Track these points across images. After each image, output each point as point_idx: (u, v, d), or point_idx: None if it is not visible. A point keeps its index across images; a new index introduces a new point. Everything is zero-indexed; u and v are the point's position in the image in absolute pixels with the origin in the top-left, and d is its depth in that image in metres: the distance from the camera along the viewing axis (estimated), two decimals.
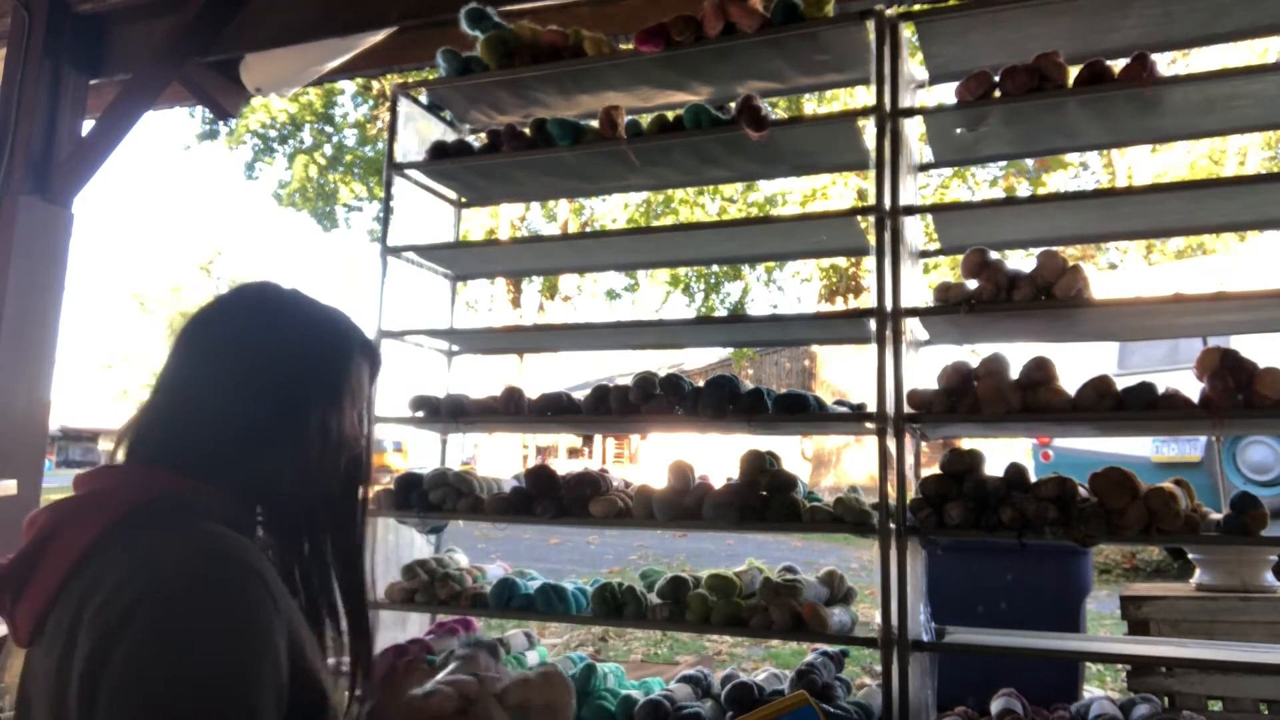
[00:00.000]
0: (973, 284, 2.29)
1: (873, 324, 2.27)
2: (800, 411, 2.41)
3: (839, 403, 2.55)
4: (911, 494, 2.27)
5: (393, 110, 2.94)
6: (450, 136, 3.09)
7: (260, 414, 0.92)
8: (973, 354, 2.68)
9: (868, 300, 3.73)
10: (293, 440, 0.94)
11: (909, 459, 2.29)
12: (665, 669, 3.63)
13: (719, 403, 2.45)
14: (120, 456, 0.95)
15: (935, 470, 2.29)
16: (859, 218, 2.56)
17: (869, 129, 2.39)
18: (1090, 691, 3.26)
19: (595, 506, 2.51)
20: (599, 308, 18.45)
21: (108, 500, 0.88)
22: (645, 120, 2.75)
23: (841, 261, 14.50)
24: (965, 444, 2.48)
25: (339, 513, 1.00)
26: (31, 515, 0.92)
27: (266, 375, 0.94)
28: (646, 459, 21.96)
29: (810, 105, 11.80)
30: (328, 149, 15.94)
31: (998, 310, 2.24)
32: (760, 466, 2.43)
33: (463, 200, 3.29)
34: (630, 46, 2.65)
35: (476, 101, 3.04)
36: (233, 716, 0.74)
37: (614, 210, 15.28)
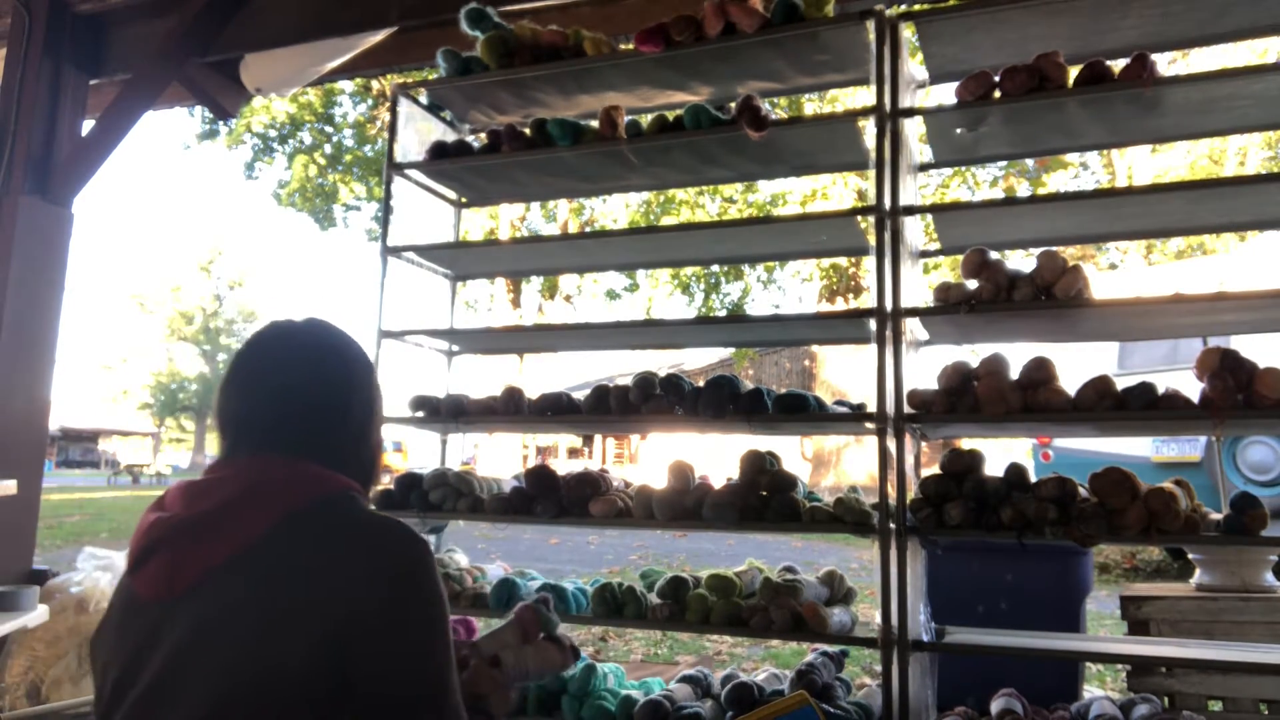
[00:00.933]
0: (973, 284, 2.29)
1: (873, 324, 2.27)
2: (800, 411, 2.41)
3: (839, 403, 2.54)
4: (911, 494, 2.27)
5: (393, 110, 2.94)
6: (450, 136, 3.09)
7: (361, 420, 1.19)
8: (973, 354, 2.68)
9: (868, 300, 3.73)
10: (374, 442, 1.21)
11: (909, 459, 2.29)
12: (665, 669, 3.63)
13: (719, 403, 2.45)
14: (236, 445, 1.14)
15: (935, 470, 2.29)
16: (859, 218, 2.56)
17: (869, 129, 2.39)
18: (1090, 691, 3.26)
19: (595, 506, 2.51)
20: (599, 308, 18.45)
21: (285, 488, 1.07)
22: (645, 120, 2.75)
23: (841, 261, 14.50)
24: (965, 444, 2.48)
25: None
26: (200, 483, 1.09)
27: (363, 390, 1.20)
28: (646, 459, 21.97)
29: (810, 105, 11.81)
30: (327, 149, 15.95)
31: (998, 310, 2.24)
32: (760, 466, 2.43)
33: (463, 200, 3.29)
34: (630, 46, 2.65)
35: (476, 101, 3.04)
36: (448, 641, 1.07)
37: (614, 210, 15.29)
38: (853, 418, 2.42)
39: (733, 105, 2.54)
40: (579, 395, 2.76)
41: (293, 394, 1.14)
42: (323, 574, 1.00)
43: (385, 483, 2.81)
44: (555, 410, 2.70)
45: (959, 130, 2.51)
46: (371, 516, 1.10)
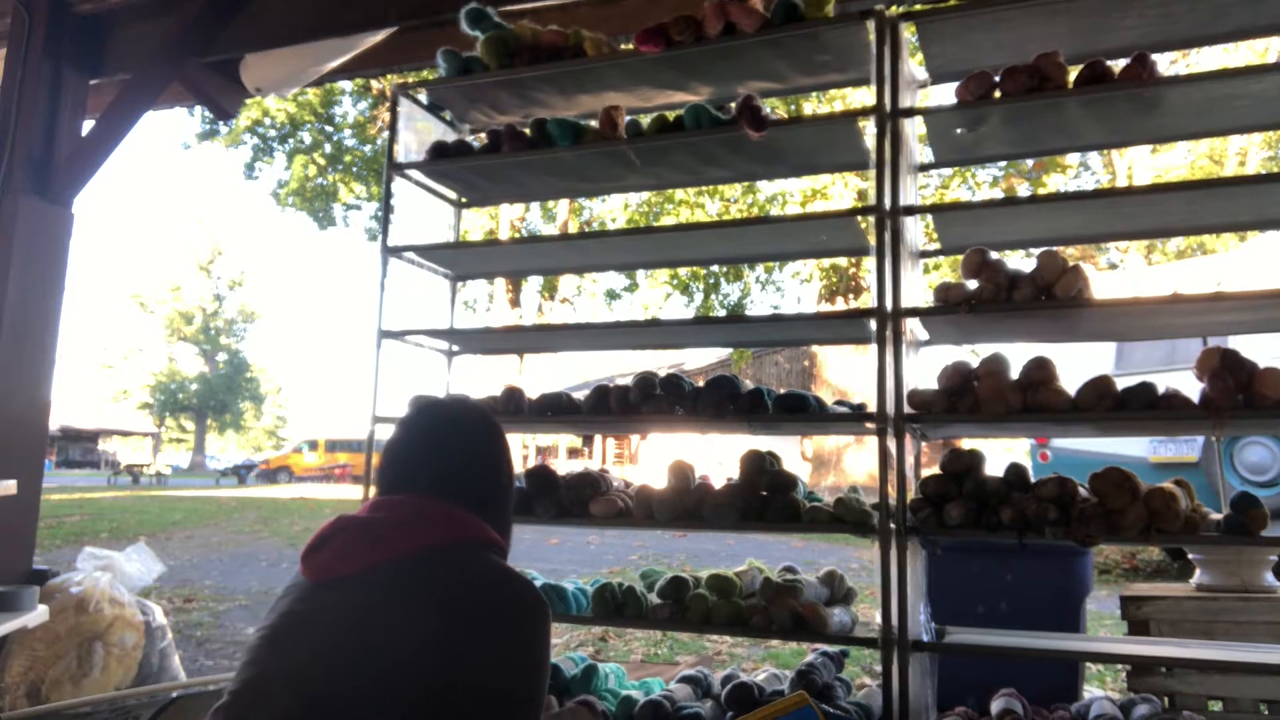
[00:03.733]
0: (973, 284, 2.29)
1: (873, 324, 2.27)
2: (800, 411, 2.41)
3: (839, 403, 2.55)
4: (911, 494, 2.27)
5: (393, 110, 2.93)
6: (450, 136, 3.08)
7: (508, 487, 1.43)
8: (973, 354, 2.68)
9: (868, 300, 3.73)
10: (511, 507, 1.44)
11: (909, 459, 2.29)
12: (665, 669, 3.63)
13: (719, 403, 2.45)
14: (405, 485, 1.34)
15: (935, 470, 2.29)
16: (859, 218, 2.56)
17: (869, 129, 2.39)
18: (1090, 691, 3.26)
19: (595, 506, 2.51)
20: (599, 308, 18.45)
21: (449, 522, 1.27)
22: (645, 120, 2.75)
23: (841, 261, 14.50)
24: (965, 444, 2.48)
25: None
26: (382, 500, 1.31)
27: (510, 464, 1.45)
28: (646, 459, 21.97)
29: (809, 105, 11.81)
30: (327, 148, 15.95)
31: (998, 310, 2.24)
32: (760, 466, 2.43)
33: (463, 200, 3.29)
34: (630, 46, 2.65)
35: (476, 101, 3.04)
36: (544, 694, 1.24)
37: (614, 210, 15.29)
38: (853, 418, 2.42)
39: (733, 105, 2.54)
40: (579, 395, 2.76)
41: (469, 455, 1.38)
42: (456, 606, 1.17)
43: None
44: (555, 410, 2.70)
45: (959, 130, 2.51)
46: (511, 571, 1.28)
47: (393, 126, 2.92)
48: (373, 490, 1.45)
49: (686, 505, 2.44)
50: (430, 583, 1.19)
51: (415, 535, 1.23)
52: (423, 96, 3.04)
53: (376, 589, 1.19)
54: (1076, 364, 4.08)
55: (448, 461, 1.36)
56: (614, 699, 2.45)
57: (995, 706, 2.36)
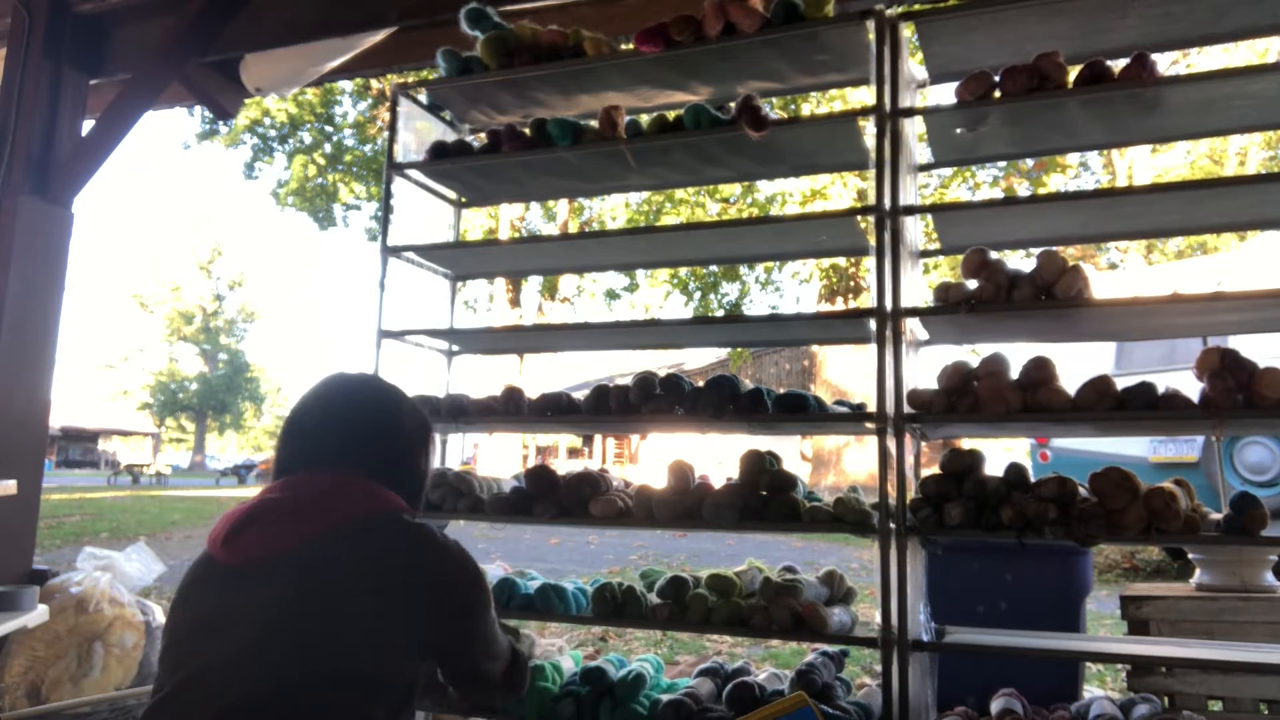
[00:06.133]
0: (973, 284, 2.29)
1: (873, 324, 2.27)
2: (800, 411, 2.41)
3: (839, 403, 2.54)
4: (911, 494, 2.27)
5: (392, 110, 2.93)
6: (450, 136, 3.08)
7: (418, 456, 1.47)
8: (973, 354, 2.68)
9: (868, 300, 3.73)
10: (425, 472, 1.49)
11: (909, 459, 2.29)
12: (666, 669, 3.63)
13: (719, 403, 2.45)
14: (307, 463, 1.37)
15: (935, 470, 2.29)
16: (859, 218, 2.55)
17: (869, 129, 2.39)
18: (1090, 691, 3.26)
19: (595, 506, 2.51)
20: (599, 308, 18.45)
21: (364, 496, 1.32)
22: (645, 120, 2.75)
23: (841, 261, 14.49)
24: (965, 444, 2.47)
25: None
26: (289, 481, 1.32)
27: (411, 431, 1.47)
28: (646, 459, 21.97)
29: (809, 105, 11.81)
30: (327, 148, 15.95)
31: (998, 310, 2.24)
32: (760, 466, 2.43)
33: (463, 200, 3.29)
34: (630, 46, 2.65)
35: (476, 101, 3.04)
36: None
37: (614, 210, 15.29)
38: (853, 418, 2.41)
39: (733, 105, 2.54)
40: (579, 395, 2.76)
41: (375, 430, 1.42)
42: (390, 573, 1.25)
43: None
44: (555, 410, 2.70)
45: (959, 130, 2.51)
46: (436, 533, 1.35)
47: (392, 126, 2.92)
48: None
49: (686, 505, 2.44)
50: (362, 553, 1.24)
51: (338, 509, 1.27)
52: (423, 96, 3.04)
53: (310, 566, 1.21)
54: (1076, 364, 4.08)
55: (355, 437, 1.39)
56: (646, 703, 2.44)
57: (995, 706, 2.36)
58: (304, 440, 1.39)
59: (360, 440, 1.39)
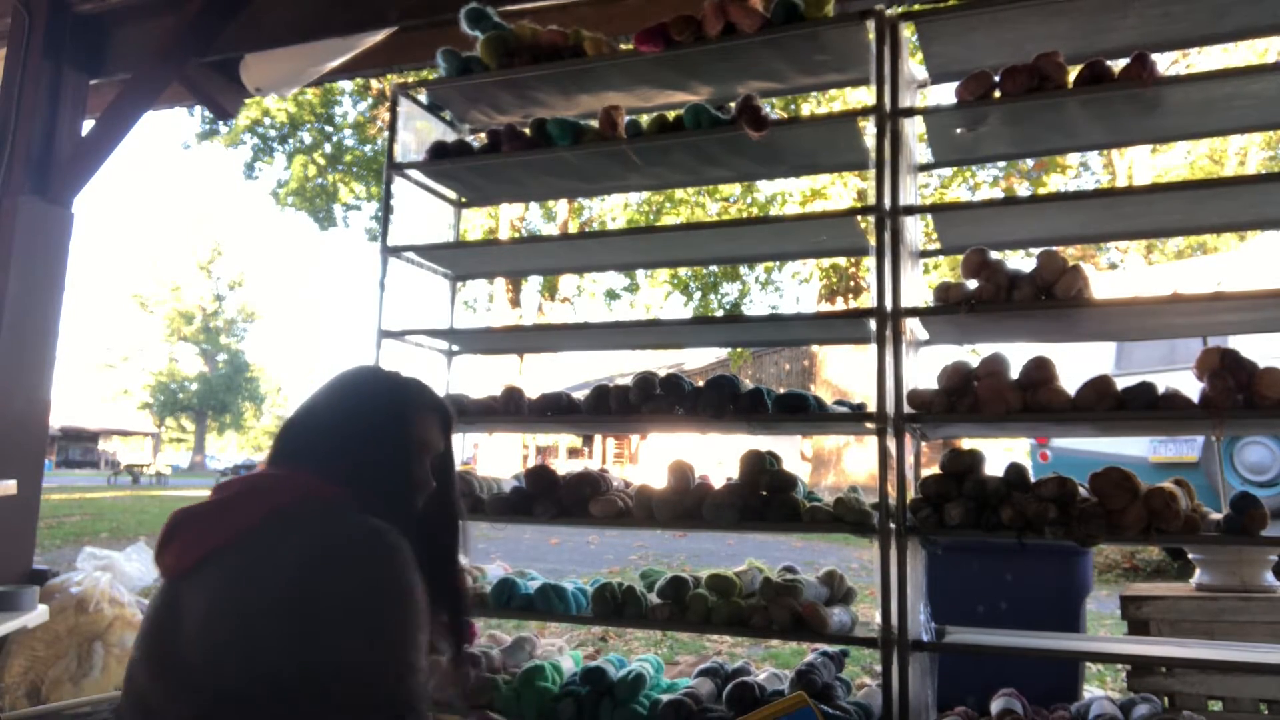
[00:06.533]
0: (973, 284, 2.29)
1: (873, 324, 2.27)
2: (800, 411, 2.41)
3: (839, 403, 2.54)
4: (911, 494, 2.27)
5: (392, 110, 2.93)
6: (450, 136, 3.08)
7: (369, 449, 1.31)
8: (973, 354, 2.68)
9: (868, 300, 3.73)
10: (387, 470, 1.32)
11: (909, 459, 2.29)
12: (666, 669, 3.63)
13: (719, 403, 2.45)
14: (271, 459, 1.31)
15: (935, 470, 2.29)
16: (859, 218, 2.56)
17: (869, 129, 2.39)
18: (1090, 691, 3.26)
19: (595, 506, 2.51)
20: (599, 308, 18.44)
21: (278, 488, 1.23)
22: (645, 120, 2.75)
23: (841, 261, 14.49)
24: (965, 444, 2.47)
25: (436, 521, 1.39)
26: (223, 483, 1.26)
27: (373, 425, 1.33)
28: (646, 459, 21.97)
29: (808, 105, 11.80)
30: (327, 148, 15.94)
31: (998, 310, 2.24)
32: (760, 466, 2.43)
33: (463, 200, 3.29)
34: (630, 46, 2.65)
35: (476, 101, 3.04)
36: (418, 621, 1.16)
37: (614, 210, 15.28)
38: (853, 418, 2.42)
39: (733, 105, 2.54)
40: (579, 395, 2.76)
41: (333, 420, 1.32)
42: (295, 567, 1.12)
43: None
44: (555, 410, 2.70)
45: (959, 130, 2.51)
46: (346, 519, 1.19)
47: (392, 126, 2.92)
48: None
49: (686, 505, 2.44)
50: (277, 549, 1.14)
51: (251, 508, 1.19)
52: (423, 96, 3.04)
53: (228, 571, 1.14)
54: (1076, 364, 4.08)
55: (321, 432, 1.30)
56: (646, 704, 2.44)
57: (995, 706, 2.36)
58: (278, 436, 1.32)
59: (325, 436, 1.29)
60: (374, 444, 1.31)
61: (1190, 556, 3.22)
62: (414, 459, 1.35)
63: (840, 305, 15.52)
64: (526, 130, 2.77)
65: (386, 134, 2.97)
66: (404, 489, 1.33)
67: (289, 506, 1.19)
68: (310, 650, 1.07)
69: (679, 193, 13.34)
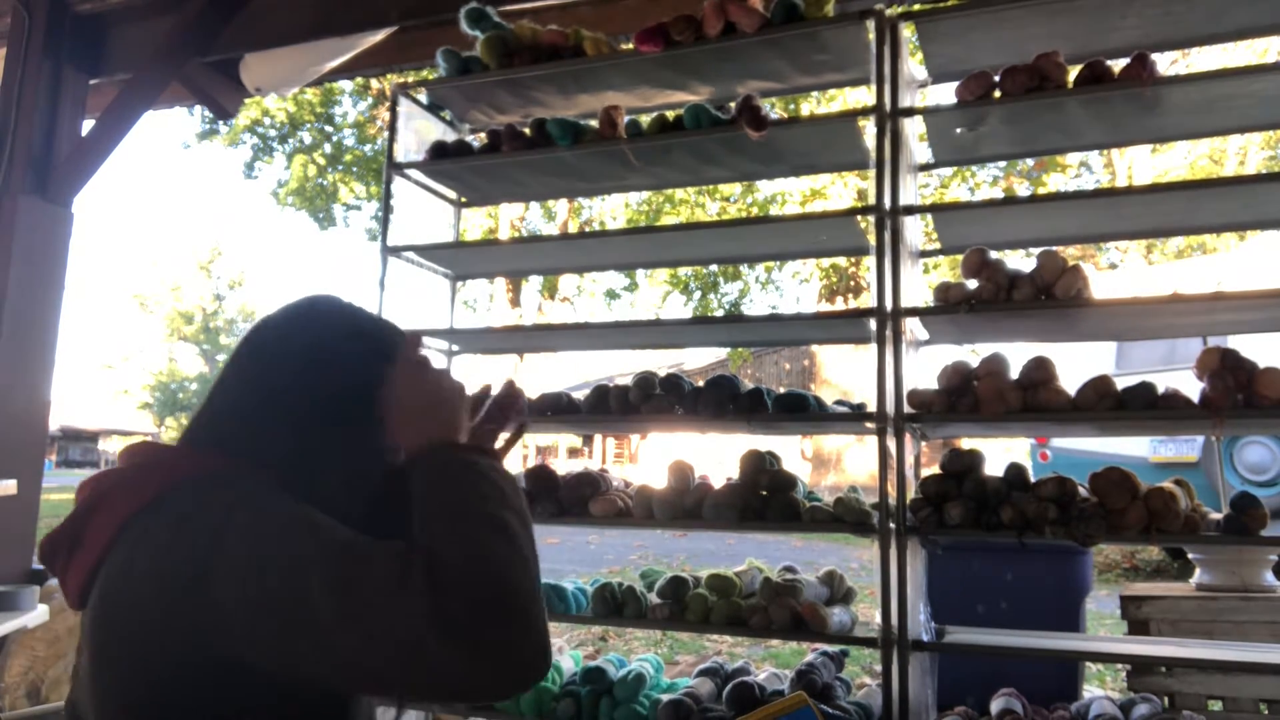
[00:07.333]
0: (973, 284, 2.29)
1: (873, 324, 2.27)
2: (800, 411, 2.41)
3: (839, 403, 2.55)
4: (911, 494, 2.27)
5: (393, 110, 2.93)
6: (450, 136, 3.08)
7: (299, 409, 0.97)
8: (973, 354, 2.68)
9: (868, 300, 3.73)
10: (327, 434, 0.97)
11: (909, 459, 2.29)
12: (666, 669, 3.63)
13: (719, 403, 2.45)
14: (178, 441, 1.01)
15: (935, 470, 2.29)
16: (859, 218, 2.56)
17: (869, 129, 2.39)
18: (1090, 691, 3.26)
19: (595, 506, 2.51)
20: (599, 308, 18.44)
21: (153, 473, 0.92)
22: (645, 120, 2.75)
23: (841, 261, 14.49)
24: (965, 444, 2.48)
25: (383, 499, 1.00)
26: (81, 483, 0.96)
27: (303, 377, 0.98)
28: (646, 459, 21.96)
29: (808, 105, 11.80)
30: (327, 148, 15.93)
31: (998, 310, 2.24)
32: (760, 466, 2.43)
33: (463, 200, 3.29)
34: (630, 46, 2.65)
35: (476, 101, 3.04)
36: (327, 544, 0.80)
37: (614, 210, 15.28)
38: (853, 418, 2.42)
39: (733, 105, 2.54)
40: (579, 395, 2.76)
41: (218, 382, 1.01)
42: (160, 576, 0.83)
43: None
44: (555, 410, 2.70)
45: (959, 130, 2.51)
46: (190, 494, 0.88)
47: (392, 126, 2.92)
48: None
49: (686, 505, 2.44)
50: (129, 572, 0.85)
51: (101, 522, 0.90)
52: (423, 96, 3.04)
53: (95, 597, 0.88)
54: (1076, 364, 4.08)
55: (233, 408, 0.99)
56: (647, 703, 2.44)
57: (995, 706, 2.36)
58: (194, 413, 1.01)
59: (249, 416, 0.97)
60: (322, 427, 0.97)
61: (1190, 556, 3.22)
62: (379, 433, 0.98)
63: (840, 305, 15.53)
64: (526, 130, 2.77)
65: (386, 134, 2.97)
66: (365, 471, 0.99)
67: (149, 505, 0.88)
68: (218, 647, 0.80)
69: (679, 193, 13.33)
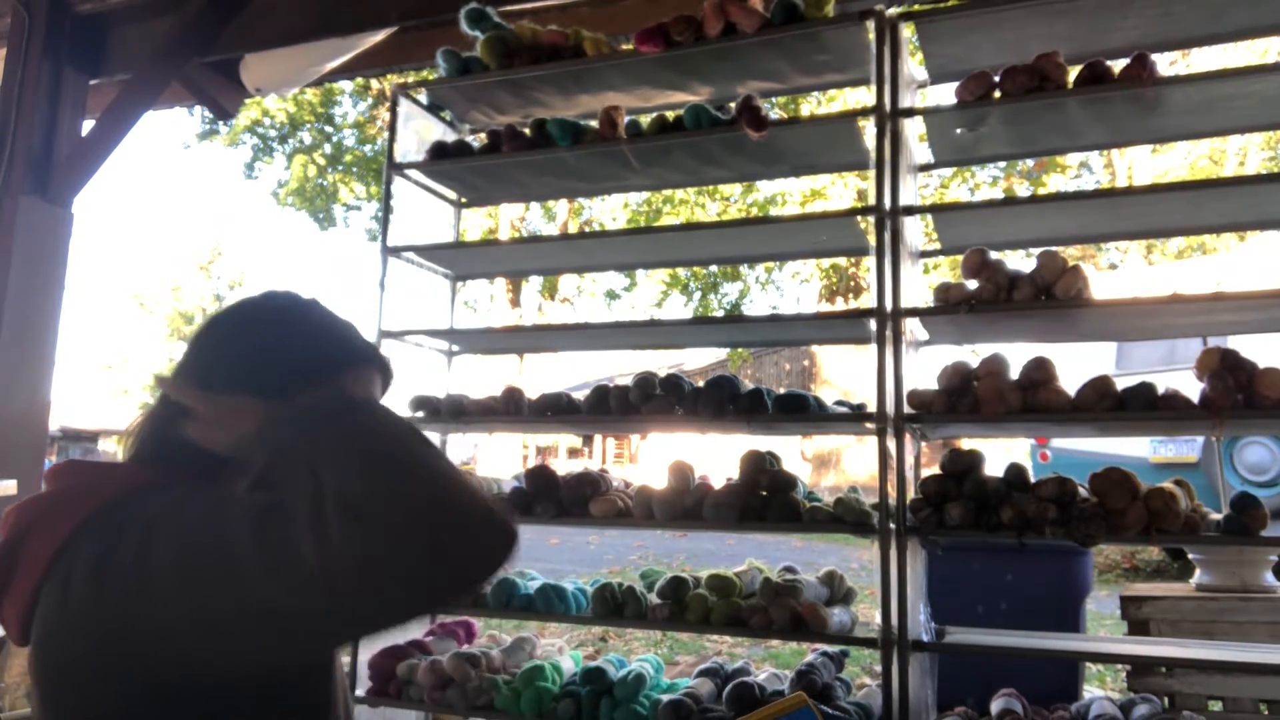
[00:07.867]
0: (973, 284, 2.29)
1: (873, 324, 2.27)
2: (800, 411, 2.41)
3: (839, 403, 2.55)
4: (911, 494, 2.27)
5: (393, 110, 2.94)
6: (450, 136, 3.09)
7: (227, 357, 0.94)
8: (973, 354, 2.68)
9: (868, 300, 3.73)
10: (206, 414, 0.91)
11: (909, 459, 2.29)
12: (666, 669, 3.63)
13: (719, 403, 2.45)
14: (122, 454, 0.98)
15: (935, 470, 2.29)
16: (859, 218, 2.56)
17: (869, 129, 2.39)
18: (1090, 691, 3.26)
19: (595, 506, 2.51)
20: (599, 308, 18.43)
21: (84, 494, 0.88)
22: (645, 120, 2.75)
23: (841, 261, 14.48)
24: (965, 444, 2.48)
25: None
26: (6, 511, 0.91)
27: (259, 377, 0.93)
28: (646, 459, 21.96)
29: (808, 105, 11.80)
30: (327, 148, 15.93)
31: (998, 310, 2.24)
32: (760, 466, 2.43)
33: (463, 200, 3.29)
34: (630, 46, 2.65)
35: (476, 101, 3.04)
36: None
37: (614, 210, 15.28)
38: (853, 418, 2.42)
39: (733, 105, 2.54)
40: (579, 395, 2.76)
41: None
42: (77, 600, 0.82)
43: None
44: (555, 410, 2.70)
45: (959, 130, 2.51)
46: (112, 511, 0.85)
47: (392, 126, 2.93)
48: None
49: (686, 505, 2.44)
50: (65, 588, 0.83)
51: (33, 553, 0.87)
52: (423, 96, 3.04)
53: (36, 632, 0.89)
54: (1076, 364, 4.08)
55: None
56: (648, 704, 2.44)
57: (995, 706, 2.36)
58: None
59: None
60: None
61: (1190, 556, 3.22)
62: None
63: (840, 305, 15.53)
64: (526, 130, 2.77)
65: (386, 134, 2.97)
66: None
67: (80, 530, 0.85)
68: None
69: (679, 193, 13.33)
